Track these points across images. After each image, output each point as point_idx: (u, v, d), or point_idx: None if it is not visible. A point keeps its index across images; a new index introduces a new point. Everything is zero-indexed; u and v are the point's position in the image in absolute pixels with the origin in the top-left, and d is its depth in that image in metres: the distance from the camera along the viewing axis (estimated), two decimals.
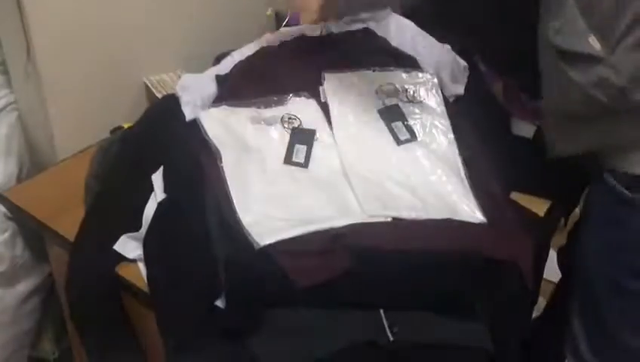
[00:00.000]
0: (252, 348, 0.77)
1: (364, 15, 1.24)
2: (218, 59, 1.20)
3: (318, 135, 1.03)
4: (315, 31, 1.22)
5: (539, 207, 1.08)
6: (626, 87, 0.83)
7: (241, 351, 0.77)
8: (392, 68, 1.14)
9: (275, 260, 0.82)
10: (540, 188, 1.10)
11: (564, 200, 1.14)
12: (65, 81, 1.17)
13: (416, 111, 1.08)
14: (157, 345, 0.88)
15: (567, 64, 0.86)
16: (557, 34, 0.87)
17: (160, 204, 0.95)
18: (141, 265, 0.94)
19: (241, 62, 1.16)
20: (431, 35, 1.23)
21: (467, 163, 1.01)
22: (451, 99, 1.15)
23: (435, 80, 1.12)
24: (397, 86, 1.11)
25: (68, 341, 1.31)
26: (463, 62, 1.18)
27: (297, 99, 1.08)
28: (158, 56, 1.32)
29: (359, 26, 1.24)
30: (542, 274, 1.24)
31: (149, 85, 1.30)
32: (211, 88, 1.11)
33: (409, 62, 1.18)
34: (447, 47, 1.20)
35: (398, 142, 1.03)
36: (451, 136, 1.05)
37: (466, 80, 1.18)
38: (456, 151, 1.03)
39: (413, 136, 1.04)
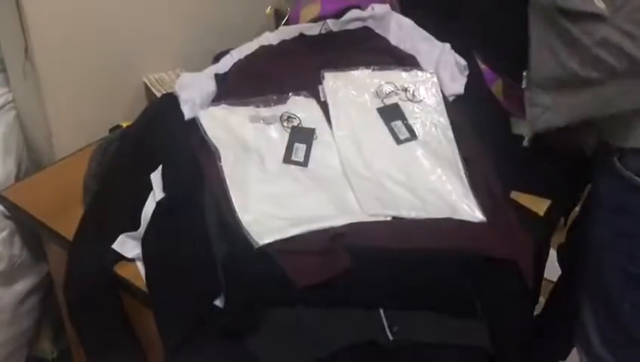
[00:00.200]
0: (251, 347, 0.77)
1: (364, 14, 1.24)
2: (217, 58, 1.20)
3: (317, 134, 1.03)
4: (314, 29, 1.22)
5: (539, 206, 1.07)
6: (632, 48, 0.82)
7: (241, 350, 0.77)
8: (391, 67, 1.14)
9: (274, 259, 0.82)
10: (539, 187, 1.09)
11: (563, 199, 1.14)
12: (63, 80, 1.17)
13: (416, 110, 1.08)
14: (156, 344, 0.87)
15: (570, 22, 0.85)
16: None
17: (159, 203, 0.95)
18: (140, 264, 0.94)
19: (240, 61, 1.16)
20: (430, 33, 1.23)
21: (467, 162, 1.01)
22: (451, 98, 1.14)
23: (435, 79, 1.12)
24: (397, 85, 1.11)
25: (67, 340, 1.31)
26: (462, 61, 1.18)
27: (297, 98, 1.08)
28: (157, 55, 1.32)
29: (359, 24, 1.24)
30: (542, 273, 1.25)
31: (148, 84, 1.30)
32: (210, 87, 1.11)
33: (409, 61, 1.18)
34: (447, 46, 1.20)
35: (398, 141, 1.03)
36: (451, 135, 1.05)
37: (465, 79, 1.18)
38: (456, 150, 1.03)
39: (412, 135, 1.04)
